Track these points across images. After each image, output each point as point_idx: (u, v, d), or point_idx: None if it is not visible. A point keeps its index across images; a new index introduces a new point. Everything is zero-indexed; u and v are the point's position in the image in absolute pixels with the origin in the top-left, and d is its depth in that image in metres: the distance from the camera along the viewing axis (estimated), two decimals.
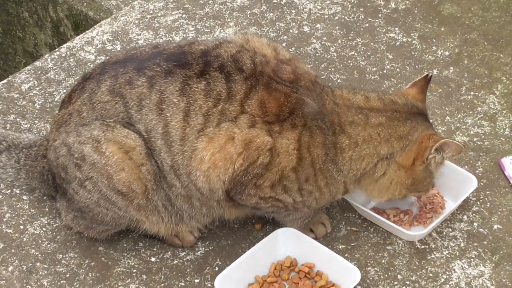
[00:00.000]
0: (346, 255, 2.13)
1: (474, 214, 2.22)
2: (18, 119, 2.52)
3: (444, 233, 2.18)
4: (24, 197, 2.29)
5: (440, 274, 2.09)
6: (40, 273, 2.11)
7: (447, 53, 2.72)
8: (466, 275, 2.08)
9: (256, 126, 1.90)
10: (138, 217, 2.04)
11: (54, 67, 2.71)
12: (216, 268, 2.11)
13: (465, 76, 2.63)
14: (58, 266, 2.13)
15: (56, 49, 2.80)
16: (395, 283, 2.07)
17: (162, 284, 2.08)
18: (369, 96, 2.03)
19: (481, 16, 2.86)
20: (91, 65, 2.69)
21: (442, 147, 1.99)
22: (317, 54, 2.73)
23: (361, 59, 2.71)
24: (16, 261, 2.14)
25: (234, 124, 1.90)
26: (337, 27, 2.84)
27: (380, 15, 2.88)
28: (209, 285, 2.08)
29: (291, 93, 1.94)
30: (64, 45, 2.81)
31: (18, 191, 2.31)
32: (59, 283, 2.09)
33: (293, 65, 2.02)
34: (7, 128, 2.48)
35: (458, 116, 2.49)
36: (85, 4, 3.15)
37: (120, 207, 2.01)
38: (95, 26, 2.88)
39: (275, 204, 2.02)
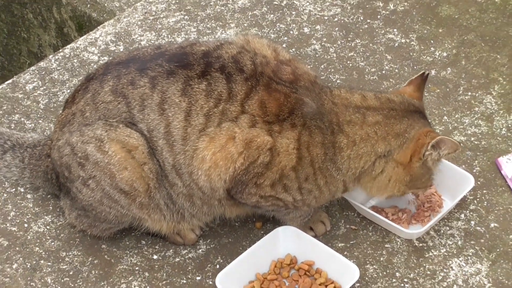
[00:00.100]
0: (345, 253, 2.13)
1: (471, 213, 2.23)
2: (22, 119, 2.52)
3: (442, 231, 2.18)
4: (28, 196, 2.30)
5: (437, 272, 2.09)
6: (44, 270, 2.12)
7: (445, 54, 2.72)
8: (464, 272, 2.09)
9: (256, 126, 1.91)
10: (141, 215, 2.04)
11: (58, 68, 2.71)
12: (217, 266, 2.11)
13: (463, 76, 2.63)
14: (61, 264, 2.13)
15: (60, 50, 2.79)
16: (393, 280, 2.07)
17: (164, 282, 2.08)
18: (366, 95, 2.02)
19: (478, 18, 2.86)
20: (95, 66, 2.68)
21: (438, 144, 1.98)
22: (317, 55, 2.73)
23: (360, 60, 2.70)
24: (21, 258, 2.14)
25: (235, 124, 1.91)
26: (337, 29, 2.83)
27: (379, 16, 2.88)
28: (210, 282, 2.08)
29: (290, 93, 1.95)
30: (68, 46, 2.80)
31: (22, 190, 2.31)
32: (62, 280, 2.09)
33: (293, 66, 2.02)
34: (12, 127, 2.48)
35: (456, 116, 2.49)
36: (88, 5, 3.14)
37: (122, 206, 2.01)
38: (98, 27, 2.88)
39: (275, 202, 2.02)
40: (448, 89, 2.59)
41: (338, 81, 2.63)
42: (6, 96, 2.61)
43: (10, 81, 2.68)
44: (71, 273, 2.11)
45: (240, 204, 2.04)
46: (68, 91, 2.61)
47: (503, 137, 2.43)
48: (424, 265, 2.11)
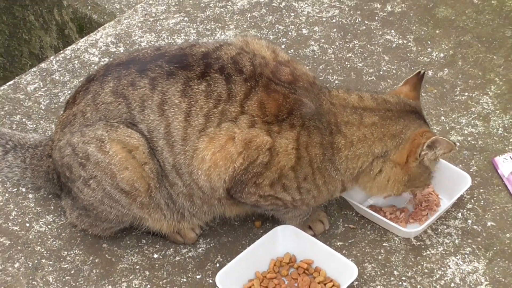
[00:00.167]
0: (344, 251, 2.13)
1: (468, 212, 2.23)
2: (24, 120, 2.53)
3: (439, 230, 2.19)
4: (30, 196, 2.30)
5: (435, 270, 2.09)
6: (46, 269, 2.12)
7: (441, 54, 2.72)
8: (461, 271, 2.09)
9: (255, 126, 1.91)
10: (141, 214, 2.05)
11: (59, 69, 2.71)
12: (217, 265, 2.12)
13: (459, 77, 2.63)
14: (63, 263, 2.13)
15: (61, 51, 2.79)
16: (392, 279, 2.08)
17: (165, 280, 2.09)
18: (363, 95, 2.02)
19: (474, 19, 2.86)
20: (95, 67, 2.68)
21: (434, 144, 1.98)
22: (315, 56, 2.73)
23: (358, 61, 2.71)
24: (22, 258, 2.15)
25: (234, 124, 1.91)
26: (335, 30, 2.84)
27: (376, 18, 2.89)
28: (210, 281, 2.08)
29: (289, 94, 1.95)
30: (69, 48, 2.80)
31: (24, 190, 2.31)
32: (64, 279, 2.10)
33: (292, 67, 2.02)
34: (14, 128, 2.49)
35: (453, 116, 2.50)
36: (89, 7, 3.14)
37: (123, 205, 2.01)
38: (99, 29, 2.88)
39: (274, 202, 2.02)
40: (445, 90, 2.59)
41: (336, 82, 2.63)
42: (8, 97, 2.62)
43: (11, 82, 2.68)
44: (72, 272, 2.12)
45: (240, 203, 2.05)
46: (69, 92, 2.61)
47: (499, 137, 2.43)
48: (422, 263, 2.11)
